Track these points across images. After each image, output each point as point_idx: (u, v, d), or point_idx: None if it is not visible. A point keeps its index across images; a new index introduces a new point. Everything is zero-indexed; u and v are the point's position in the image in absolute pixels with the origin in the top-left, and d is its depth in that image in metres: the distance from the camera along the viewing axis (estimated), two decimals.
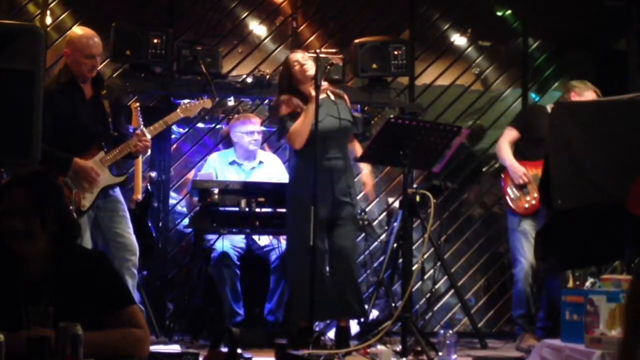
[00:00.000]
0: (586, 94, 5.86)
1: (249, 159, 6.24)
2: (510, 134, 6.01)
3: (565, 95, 5.92)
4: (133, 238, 5.14)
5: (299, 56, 5.49)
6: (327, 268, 5.44)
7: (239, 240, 5.97)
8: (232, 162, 6.22)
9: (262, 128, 6.38)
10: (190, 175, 6.66)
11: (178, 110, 5.50)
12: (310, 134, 5.28)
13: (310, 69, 5.33)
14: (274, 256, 5.93)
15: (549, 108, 6.00)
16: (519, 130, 5.97)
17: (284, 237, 5.97)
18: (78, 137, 5.02)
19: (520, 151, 5.91)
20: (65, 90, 5.03)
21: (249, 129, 6.20)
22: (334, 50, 6.58)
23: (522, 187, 5.79)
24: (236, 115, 6.48)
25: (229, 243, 5.84)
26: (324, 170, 5.33)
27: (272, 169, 6.29)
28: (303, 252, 5.13)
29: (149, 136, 5.22)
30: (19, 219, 2.72)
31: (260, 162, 6.27)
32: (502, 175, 5.97)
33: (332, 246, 5.43)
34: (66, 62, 5.13)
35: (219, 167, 6.22)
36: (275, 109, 5.61)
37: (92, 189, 5.03)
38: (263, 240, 6.04)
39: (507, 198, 5.88)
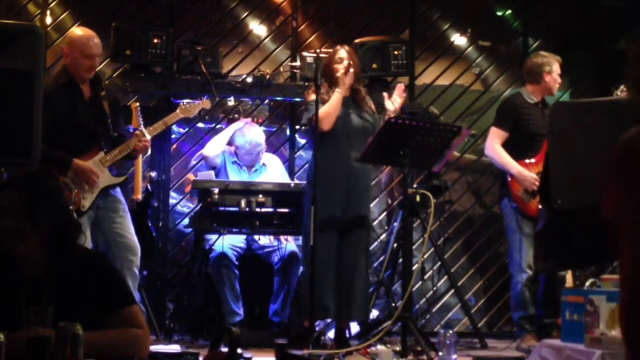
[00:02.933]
0: (556, 67, 5.85)
1: (252, 164, 6.21)
2: (499, 135, 5.87)
3: (543, 75, 5.85)
4: (135, 238, 5.14)
5: (342, 53, 5.52)
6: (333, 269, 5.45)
7: (239, 240, 5.96)
8: (234, 163, 6.21)
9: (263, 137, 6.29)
10: (191, 175, 6.65)
11: (178, 110, 5.52)
12: (334, 126, 5.35)
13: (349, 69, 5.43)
14: (276, 258, 5.92)
15: (523, 93, 5.97)
16: (509, 130, 5.87)
17: (285, 237, 5.98)
18: (78, 137, 5.02)
19: (518, 150, 5.83)
20: (65, 90, 5.03)
21: (255, 142, 6.13)
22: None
23: (535, 192, 5.69)
24: (241, 123, 6.33)
25: (228, 243, 5.83)
26: (341, 168, 5.39)
27: (273, 172, 6.26)
28: (322, 250, 5.24)
29: (148, 137, 5.22)
30: (9, 219, 2.73)
31: (263, 165, 6.24)
32: (509, 180, 5.79)
33: (340, 247, 5.43)
34: (65, 62, 5.13)
35: (227, 159, 6.20)
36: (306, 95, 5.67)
37: (92, 190, 5.03)
38: (263, 239, 6.04)
39: (519, 202, 5.76)
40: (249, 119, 6.46)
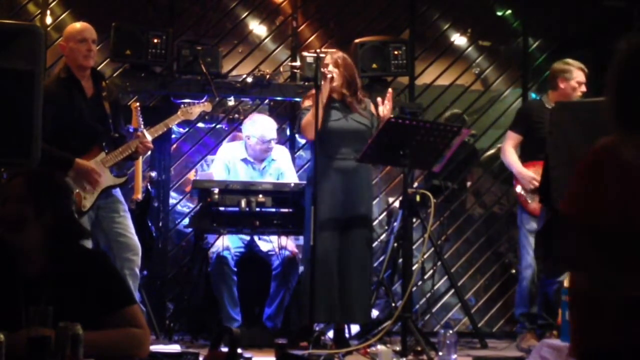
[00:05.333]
0: (577, 74, 5.86)
1: (263, 159, 6.12)
2: (513, 138, 5.98)
3: (558, 81, 5.89)
4: (135, 238, 5.14)
5: (328, 59, 5.53)
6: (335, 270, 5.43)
7: (238, 244, 5.94)
8: (244, 160, 6.10)
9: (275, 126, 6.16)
10: (191, 175, 6.65)
11: (179, 112, 5.51)
12: (322, 131, 5.32)
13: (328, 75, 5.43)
14: (276, 262, 5.90)
15: (544, 99, 6.00)
16: (522, 133, 5.95)
17: (285, 243, 5.93)
18: (79, 135, 5.01)
19: (530, 151, 5.87)
20: (65, 85, 5.03)
21: (267, 129, 6.02)
22: (333, 51, 6.57)
23: (534, 190, 5.74)
24: (254, 117, 6.27)
25: (228, 247, 5.80)
26: (335, 170, 5.39)
27: (282, 163, 6.18)
28: (323, 250, 5.25)
29: (149, 138, 5.22)
30: (12, 204, 2.74)
31: (273, 160, 6.15)
32: (514, 180, 5.92)
33: (341, 247, 5.42)
34: (64, 58, 5.14)
35: (230, 160, 6.10)
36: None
37: (93, 190, 5.02)
38: (264, 246, 6.01)
39: (521, 200, 5.84)
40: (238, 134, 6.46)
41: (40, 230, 2.76)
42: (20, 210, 2.74)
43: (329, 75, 5.44)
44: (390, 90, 5.65)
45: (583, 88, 5.92)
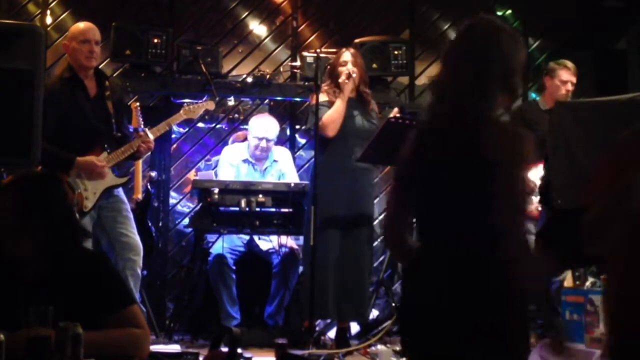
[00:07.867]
0: (560, 73, 5.85)
1: (262, 159, 6.12)
2: None
3: (544, 80, 5.92)
4: (137, 238, 5.12)
5: (346, 57, 5.51)
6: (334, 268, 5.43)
7: (238, 244, 5.94)
8: (245, 160, 6.12)
9: (275, 134, 6.14)
10: (191, 174, 6.64)
11: (181, 111, 5.50)
12: (339, 129, 5.35)
13: (350, 75, 5.42)
14: (275, 260, 5.90)
15: (539, 100, 5.99)
16: None
17: (285, 241, 5.93)
18: (81, 135, 4.99)
19: None
20: (68, 85, 5.01)
21: (266, 130, 6.03)
22: (334, 50, 6.57)
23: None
24: (259, 116, 6.32)
25: (227, 247, 5.80)
26: (346, 169, 5.39)
27: (284, 165, 6.18)
28: (325, 250, 5.25)
29: (152, 137, 5.21)
30: (4, 224, 2.71)
31: (275, 161, 6.16)
32: None
33: (343, 247, 5.42)
34: (67, 58, 5.14)
35: (233, 162, 6.10)
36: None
37: (95, 189, 5.01)
38: (264, 245, 6.02)
39: None
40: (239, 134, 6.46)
41: (35, 244, 2.74)
42: (12, 230, 2.71)
43: (354, 75, 5.43)
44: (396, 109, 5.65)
45: (568, 86, 5.89)
